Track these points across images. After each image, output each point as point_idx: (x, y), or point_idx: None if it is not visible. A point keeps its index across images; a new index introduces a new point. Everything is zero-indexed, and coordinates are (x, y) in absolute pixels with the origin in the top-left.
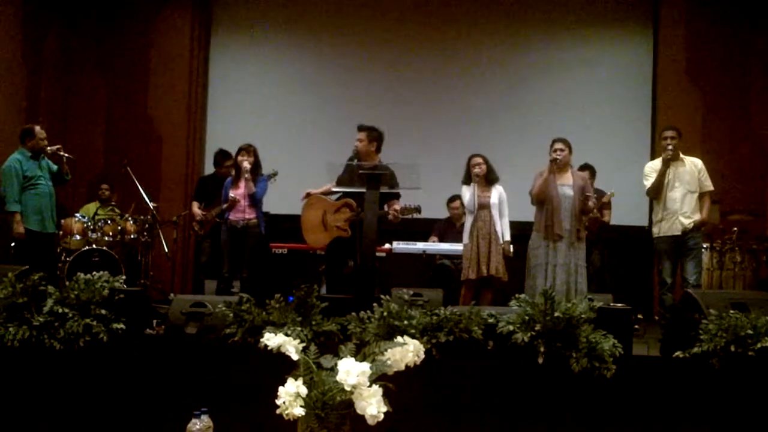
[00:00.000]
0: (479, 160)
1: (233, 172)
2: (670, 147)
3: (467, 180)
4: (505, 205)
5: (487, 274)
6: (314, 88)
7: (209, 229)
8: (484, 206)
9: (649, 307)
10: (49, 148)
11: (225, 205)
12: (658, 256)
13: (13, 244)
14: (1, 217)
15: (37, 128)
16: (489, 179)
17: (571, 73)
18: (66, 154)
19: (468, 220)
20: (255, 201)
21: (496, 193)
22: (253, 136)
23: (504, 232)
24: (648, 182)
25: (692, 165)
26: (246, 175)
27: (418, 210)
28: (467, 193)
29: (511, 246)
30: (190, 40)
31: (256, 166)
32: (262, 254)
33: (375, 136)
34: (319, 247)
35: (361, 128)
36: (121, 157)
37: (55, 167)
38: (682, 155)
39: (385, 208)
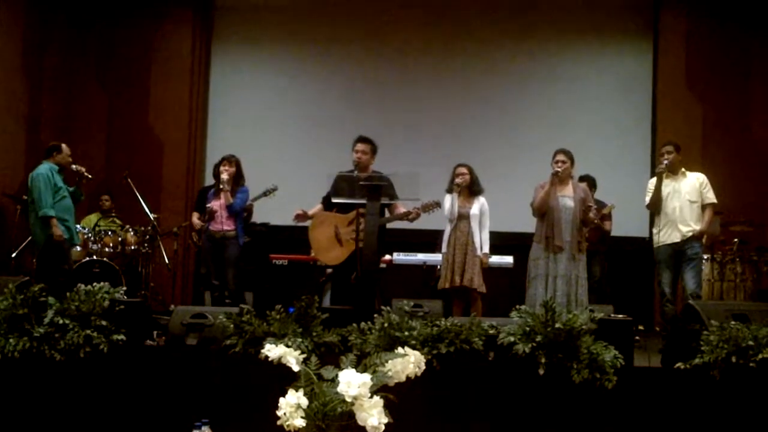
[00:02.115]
0: (463, 170)
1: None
2: (665, 161)
3: (450, 189)
4: (486, 217)
5: (459, 284)
6: (315, 98)
7: None
8: (463, 216)
9: (650, 318)
10: (74, 166)
11: (205, 216)
12: (657, 266)
13: (14, 254)
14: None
15: (64, 145)
16: (472, 190)
17: (570, 84)
18: (88, 175)
19: (447, 229)
20: (233, 212)
21: (478, 204)
22: (254, 146)
23: (483, 244)
24: (648, 197)
25: (694, 179)
26: (222, 186)
27: (438, 205)
28: (448, 202)
29: (490, 257)
30: (191, 51)
31: (238, 176)
32: (242, 264)
33: (375, 148)
34: (338, 263)
35: (364, 140)
36: (122, 168)
37: (72, 188)
38: (684, 170)
39: (386, 213)
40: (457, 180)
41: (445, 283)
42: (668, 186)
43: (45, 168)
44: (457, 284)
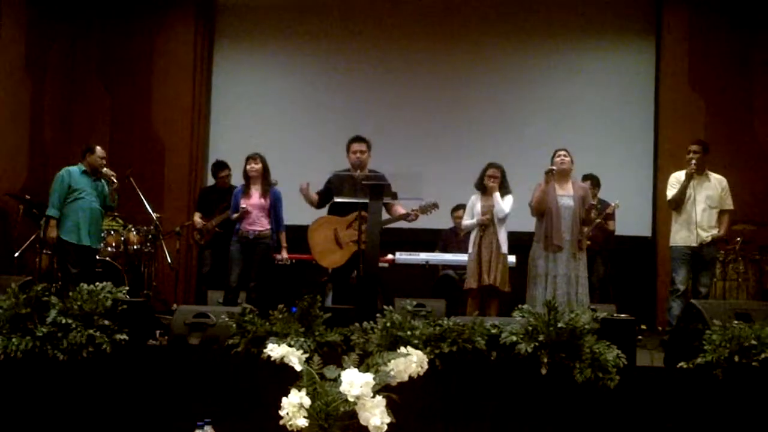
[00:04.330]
0: (496, 172)
1: (243, 181)
2: (693, 162)
3: (479, 186)
4: (507, 216)
5: (488, 283)
6: (317, 97)
7: (209, 238)
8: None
9: (652, 318)
10: (105, 169)
11: (235, 215)
12: (673, 263)
13: (17, 254)
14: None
15: (98, 147)
16: (500, 191)
17: (573, 83)
18: (114, 181)
19: (474, 230)
20: (275, 214)
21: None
22: (256, 145)
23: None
24: (671, 193)
25: (717, 183)
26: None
27: (436, 206)
28: (477, 202)
29: (509, 257)
30: (193, 50)
31: (266, 173)
32: (268, 265)
33: (370, 146)
34: (340, 265)
35: (360, 139)
36: (124, 168)
37: (107, 191)
38: (708, 171)
39: (383, 212)
40: (490, 182)
41: (472, 283)
42: (690, 188)
43: (65, 169)
44: (486, 283)
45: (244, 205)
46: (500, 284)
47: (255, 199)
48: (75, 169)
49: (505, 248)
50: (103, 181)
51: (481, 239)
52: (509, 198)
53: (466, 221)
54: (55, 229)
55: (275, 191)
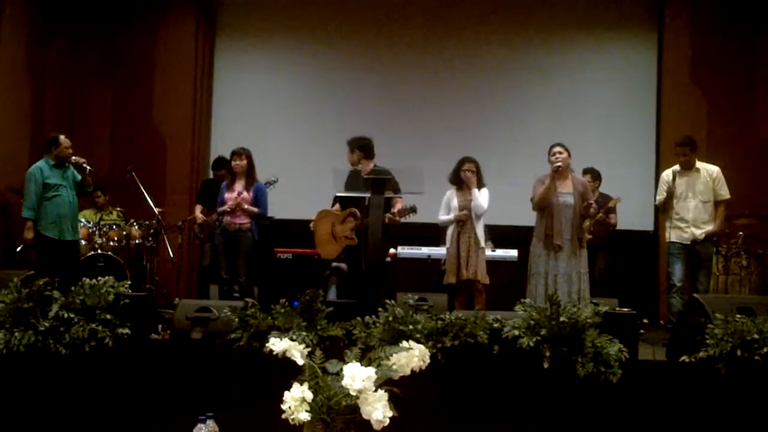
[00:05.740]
0: (472, 166)
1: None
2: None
3: (454, 180)
4: (484, 200)
5: (466, 277)
6: (319, 93)
7: (209, 232)
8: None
9: (654, 312)
10: (74, 158)
11: (228, 208)
12: (669, 258)
13: (19, 249)
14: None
15: (62, 137)
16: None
17: (575, 78)
18: (89, 167)
19: (451, 225)
20: (257, 206)
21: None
22: (258, 141)
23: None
24: (659, 197)
25: (707, 175)
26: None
27: (413, 210)
28: (453, 197)
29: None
30: (194, 45)
31: (250, 169)
32: (256, 260)
33: (356, 145)
34: (333, 257)
35: (347, 143)
36: (126, 163)
37: (79, 177)
38: (699, 163)
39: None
40: (465, 176)
41: (451, 278)
42: (681, 185)
43: (35, 166)
44: (464, 278)
45: (226, 197)
46: (480, 278)
47: (237, 193)
48: (43, 165)
49: (482, 242)
50: (72, 168)
51: (459, 234)
52: (485, 191)
53: (443, 216)
54: (32, 231)
55: (259, 185)
